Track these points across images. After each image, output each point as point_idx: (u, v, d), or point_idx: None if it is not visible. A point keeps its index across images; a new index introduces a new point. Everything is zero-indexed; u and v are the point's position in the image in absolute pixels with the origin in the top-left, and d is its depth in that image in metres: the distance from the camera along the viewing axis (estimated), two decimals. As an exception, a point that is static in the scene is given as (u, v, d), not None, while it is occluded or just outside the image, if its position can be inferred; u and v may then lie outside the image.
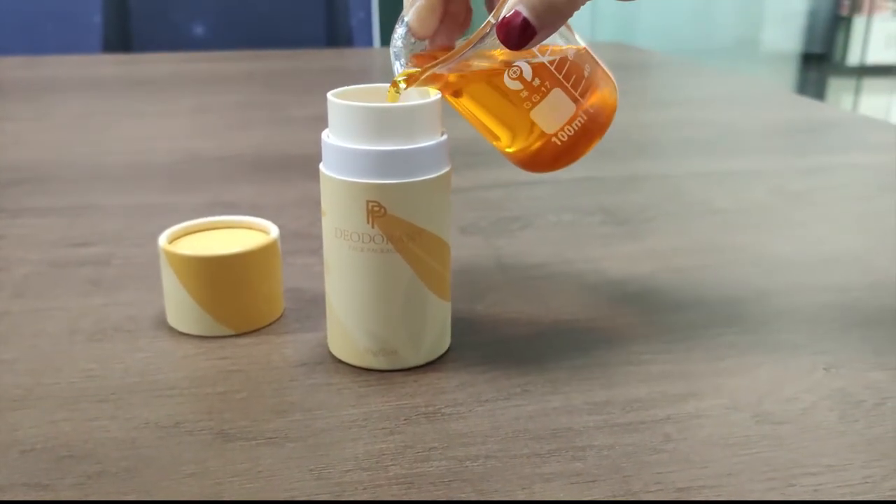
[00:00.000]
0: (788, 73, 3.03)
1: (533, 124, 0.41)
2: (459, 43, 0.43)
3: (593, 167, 0.74)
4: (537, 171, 0.44)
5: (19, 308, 0.48)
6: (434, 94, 0.40)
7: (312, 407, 0.38)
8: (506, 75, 0.40)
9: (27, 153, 0.80)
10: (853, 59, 2.96)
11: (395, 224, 0.38)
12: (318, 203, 0.66)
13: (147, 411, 0.38)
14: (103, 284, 0.51)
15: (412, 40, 0.42)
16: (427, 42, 0.43)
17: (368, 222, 0.38)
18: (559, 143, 0.42)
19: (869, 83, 3.00)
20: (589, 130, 0.42)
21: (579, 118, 0.42)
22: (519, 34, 0.35)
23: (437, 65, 0.37)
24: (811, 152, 0.82)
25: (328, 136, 0.39)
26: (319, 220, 0.61)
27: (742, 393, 0.39)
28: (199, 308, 0.44)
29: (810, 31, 3.01)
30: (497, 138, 0.43)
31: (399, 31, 0.42)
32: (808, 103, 1.10)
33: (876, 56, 2.93)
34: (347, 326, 0.41)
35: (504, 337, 0.45)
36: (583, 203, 0.66)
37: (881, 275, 0.52)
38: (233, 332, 0.45)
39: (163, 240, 0.45)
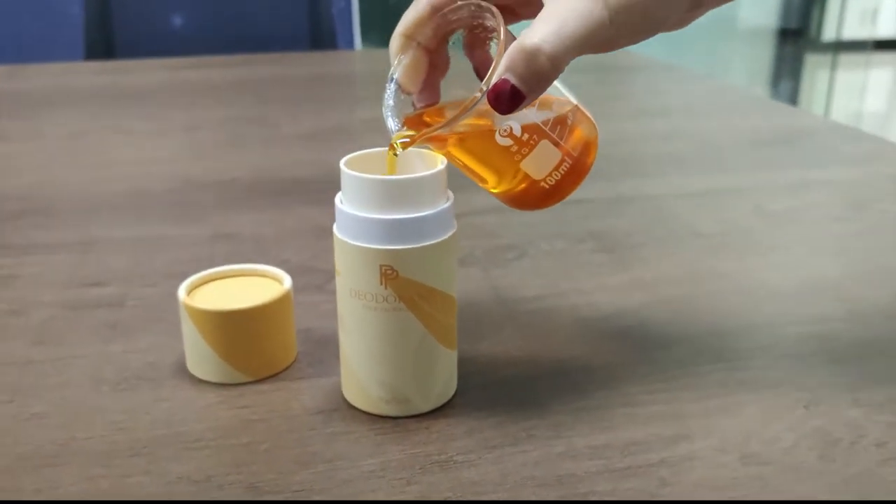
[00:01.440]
0: (765, 49, 3.07)
1: (521, 172, 0.44)
2: (448, 98, 0.46)
3: (582, 188, 0.77)
4: (525, 209, 0.47)
5: (42, 356, 0.50)
6: (440, 160, 0.42)
7: (333, 457, 0.41)
8: (497, 134, 0.42)
9: (25, 179, 0.82)
10: (829, 34, 3.00)
11: (407, 285, 0.41)
12: (316, 231, 0.69)
13: (178, 465, 0.40)
14: (120, 328, 0.53)
15: (402, 96, 0.45)
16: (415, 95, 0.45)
17: (382, 284, 0.41)
18: (547, 186, 0.45)
19: (845, 59, 3.04)
20: (575, 172, 0.45)
21: (565, 163, 0.44)
22: (509, 100, 0.38)
23: (432, 132, 0.40)
24: (788, 166, 0.85)
25: (341, 203, 0.42)
26: (321, 253, 0.64)
27: (730, 433, 0.42)
28: (219, 358, 0.46)
29: (787, 6, 3.04)
30: (484, 181, 0.46)
31: (390, 88, 0.44)
32: (781, 110, 1.13)
33: (851, 31, 2.98)
34: (361, 377, 0.43)
35: (507, 378, 0.47)
36: (573, 229, 0.69)
37: (857, 303, 0.56)
38: (251, 379, 0.47)
39: (182, 292, 0.47)
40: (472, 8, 0.42)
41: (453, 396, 0.46)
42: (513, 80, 0.38)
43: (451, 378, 0.45)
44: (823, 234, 0.68)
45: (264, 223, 0.71)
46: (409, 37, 0.44)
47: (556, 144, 0.43)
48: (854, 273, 0.60)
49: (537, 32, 0.37)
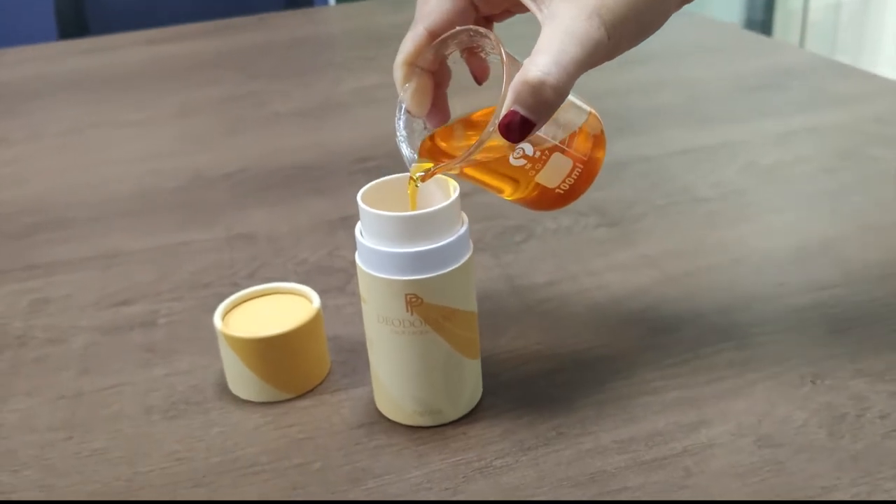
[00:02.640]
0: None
1: (536, 184, 0.46)
2: (455, 104, 0.48)
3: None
4: (540, 211, 0.50)
5: (91, 386, 0.53)
6: (452, 187, 0.45)
7: (381, 472, 0.44)
8: (511, 158, 0.44)
9: (33, 188, 0.83)
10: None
11: (432, 309, 0.44)
12: (327, 226, 0.71)
13: (239, 493, 0.44)
14: (158, 351, 0.56)
15: (413, 122, 0.46)
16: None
17: (408, 311, 0.44)
18: (561, 192, 0.48)
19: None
20: (587, 173, 0.47)
21: (577, 169, 0.47)
22: (519, 130, 0.40)
23: (449, 167, 0.42)
24: (774, 113, 0.87)
25: (362, 236, 0.44)
26: (335, 249, 0.66)
27: (744, 416, 0.46)
28: (260, 380, 0.49)
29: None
30: (500, 192, 0.48)
31: (400, 119, 0.46)
32: (763, 45, 1.14)
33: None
34: (393, 393, 0.47)
35: (530, 374, 0.51)
36: (576, 203, 0.71)
37: (852, 264, 0.59)
38: (291, 396, 0.50)
39: (218, 321, 0.50)
40: (471, 33, 0.44)
41: (481, 399, 0.49)
42: (521, 112, 0.40)
43: (477, 384, 0.48)
44: (814, 189, 0.70)
45: (276, 219, 0.73)
46: (411, 64, 0.45)
47: (568, 153, 0.46)
48: (846, 232, 0.63)
49: (539, 64, 0.39)
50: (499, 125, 0.40)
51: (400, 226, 0.42)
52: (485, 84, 0.47)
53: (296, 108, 1.00)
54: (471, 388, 0.48)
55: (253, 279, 0.63)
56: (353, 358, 0.53)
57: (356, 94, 1.04)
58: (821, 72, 0.99)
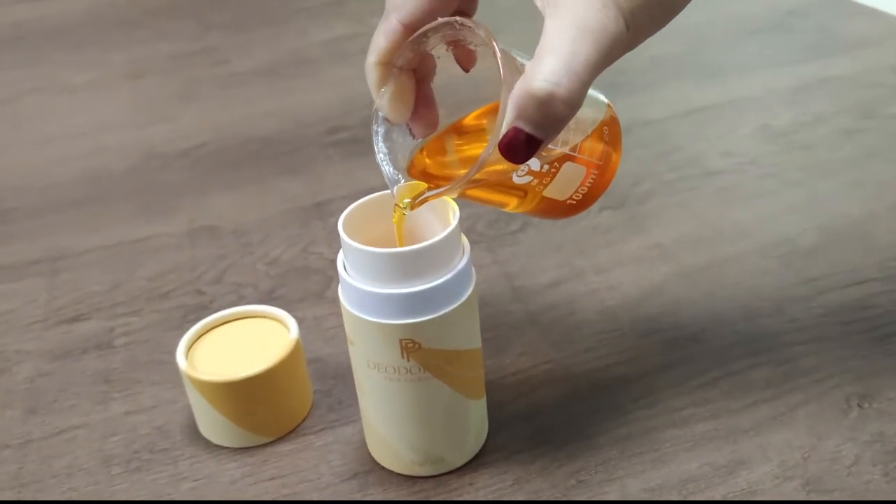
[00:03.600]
0: None
1: (544, 198, 0.40)
2: (444, 98, 0.40)
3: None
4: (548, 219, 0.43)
5: (40, 431, 0.46)
6: (451, 211, 0.38)
7: (380, 538, 0.39)
8: (514, 175, 0.37)
9: (-30, 174, 0.75)
10: None
11: (431, 354, 0.37)
12: (299, 214, 0.64)
13: (217, 571, 0.38)
14: (115, 381, 0.49)
15: (394, 135, 0.39)
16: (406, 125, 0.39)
17: (403, 357, 0.37)
18: (574, 202, 0.41)
19: None
20: (603, 178, 0.41)
21: (591, 175, 0.40)
22: (524, 150, 0.33)
23: (441, 193, 0.35)
24: (784, 62, 0.80)
25: (346, 271, 0.37)
26: (310, 245, 0.59)
27: (786, 451, 0.41)
28: (233, 425, 0.43)
29: None
30: (503, 206, 0.42)
31: (378, 131, 0.38)
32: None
33: None
34: (388, 441, 0.41)
35: (540, 404, 0.45)
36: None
37: (884, 251, 0.53)
38: (270, 439, 0.44)
39: (181, 358, 0.43)
40: (456, 25, 0.35)
41: (487, 437, 0.43)
42: (526, 129, 0.32)
43: (482, 425, 0.42)
44: (834, 157, 0.64)
45: (242, 206, 0.65)
46: (386, 64, 0.37)
47: (580, 160, 0.39)
48: (877, 210, 0.57)
49: (546, 71, 0.31)
50: (499, 145, 0.33)
51: (391, 263, 0.35)
52: (476, 74, 0.39)
53: (258, 67, 0.91)
54: (476, 431, 0.42)
55: (219, 285, 0.56)
56: (338, 386, 0.47)
57: (325, 48, 0.94)
58: (828, 10, 0.91)
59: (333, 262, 0.57)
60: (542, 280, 0.54)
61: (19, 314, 0.56)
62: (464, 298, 0.37)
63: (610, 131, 0.40)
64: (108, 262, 0.60)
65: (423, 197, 0.36)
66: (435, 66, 0.39)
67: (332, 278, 0.56)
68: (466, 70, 0.39)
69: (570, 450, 0.42)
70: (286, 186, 0.68)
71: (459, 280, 0.37)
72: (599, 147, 0.39)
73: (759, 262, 0.54)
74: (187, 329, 0.51)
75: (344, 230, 0.37)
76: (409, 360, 0.37)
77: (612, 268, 0.54)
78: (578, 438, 0.42)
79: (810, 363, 0.46)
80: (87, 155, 0.76)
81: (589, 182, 0.40)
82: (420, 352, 0.37)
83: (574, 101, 0.32)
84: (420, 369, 0.37)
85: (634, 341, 0.48)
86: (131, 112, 0.84)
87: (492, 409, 0.44)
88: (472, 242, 0.57)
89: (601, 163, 0.40)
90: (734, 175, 0.63)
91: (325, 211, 0.63)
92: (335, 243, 0.59)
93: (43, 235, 0.64)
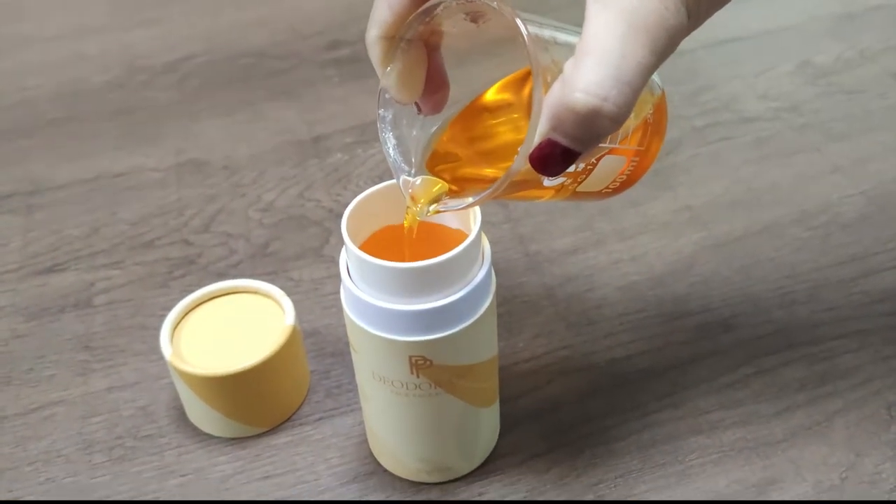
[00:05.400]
0: None
1: (578, 192, 0.35)
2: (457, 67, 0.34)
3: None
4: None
5: (15, 406, 0.43)
6: (473, 215, 0.33)
7: (381, 555, 0.36)
8: (545, 180, 0.32)
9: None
10: None
11: (443, 371, 0.33)
12: (296, 148, 0.59)
13: (207, 586, 0.35)
14: (96, 347, 0.45)
15: (402, 115, 0.33)
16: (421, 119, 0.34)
17: (413, 373, 0.33)
18: (610, 190, 0.36)
19: None
20: (643, 162, 0.36)
21: (632, 162, 0.35)
22: (560, 163, 0.28)
23: (462, 208, 0.30)
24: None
25: (350, 278, 0.33)
26: (307, 190, 0.55)
27: (822, 469, 0.38)
28: (224, 417, 0.40)
29: None
30: (531, 200, 0.37)
31: (385, 117, 0.33)
32: None
33: None
34: (394, 449, 0.37)
35: (556, 400, 0.41)
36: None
37: (936, 228, 0.49)
38: (264, 430, 0.41)
39: (166, 344, 0.39)
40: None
41: (498, 437, 0.40)
42: (563, 142, 0.27)
43: (493, 431, 0.39)
44: (886, 104, 0.58)
45: (234, 136, 0.60)
46: (391, 38, 0.31)
47: (620, 151, 0.34)
48: (928, 174, 0.52)
49: (589, 80, 0.26)
50: (531, 158, 0.28)
51: (403, 278, 0.31)
52: (488, 31, 0.33)
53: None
54: (487, 438, 0.39)
55: (208, 234, 0.52)
56: (336, 366, 0.44)
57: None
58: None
59: (332, 211, 0.53)
60: (559, 246, 0.49)
61: (-9, 260, 0.51)
62: (481, 313, 0.33)
63: (656, 115, 0.35)
64: (86, 200, 0.55)
65: (443, 209, 0.31)
66: (442, 31, 0.33)
67: (330, 231, 0.51)
68: (477, 24, 0.33)
69: (588, 457, 0.39)
70: (280, 113, 0.62)
71: (477, 293, 0.33)
72: (641, 132, 0.34)
73: (796, 234, 0.49)
74: (172, 288, 0.48)
75: (348, 232, 0.32)
76: (418, 377, 0.33)
77: (637, 233, 0.50)
78: (597, 443, 0.39)
79: (849, 362, 0.42)
80: (63, 65, 0.69)
81: (628, 171, 0.35)
82: (431, 369, 0.33)
83: (622, 116, 0.27)
84: (430, 385, 0.34)
85: (660, 326, 0.45)
86: (111, 12, 0.76)
87: (503, 403, 0.40)
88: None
89: (642, 148, 0.35)
90: (771, 123, 0.57)
91: (323, 148, 0.58)
92: (333, 189, 0.54)
93: (15, 163, 0.59)
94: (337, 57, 0.67)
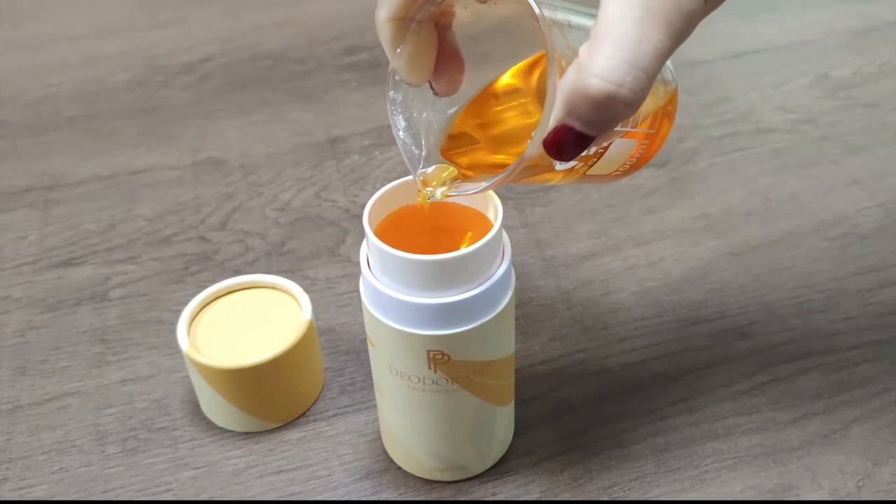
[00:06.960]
0: None
1: (588, 175, 0.35)
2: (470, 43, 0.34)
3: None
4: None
5: (29, 397, 0.43)
6: (491, 203, 0.33)
7: (394, 552, 0.36)
8: (556, 164, 0.32)
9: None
10: None
11: (461, 366, 0.33)
12: (313, 150, 0.59)
13: (218, 578, 0.35)
14: (111, 340, 0.45)
15: (412, 99, 0.33)
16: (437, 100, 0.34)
17: (430, 368, 0.33)
18: (619, 172, 0.36)
19: None
20: (654, 144, 0.36)
21: (642, 144, 0.35)
22: (574, 147, 0.28)
23: (473, 193, 0.31)
24: (847, -3, 0.73)
25: (369, 269, 0.33)
26: (324, 189, 0.55)
27: (839, 477, 0.37)
28: (239, 411, 0.40)
29: None
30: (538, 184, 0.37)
31: (395, 101, 0.32)
32: None
33: None
34: (408, 446, 0.37)
35: (571, 402, 0.41)
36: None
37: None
38: (278, 425, 0.41)
39: (183, 336, 0.39)
40: None
41: (513, 438, 0.40)
42: (577, 127, 0.27)
43: (508, 430, 0.39)
44: (902, 117, 0.59)
45: (251, 135, 0.60)
46: (401, 19, 0.31)
47: (631, 134, 0.34)
48: (946, 188, 0.52)
49: (604, 65, 0.25)
50: (545, 143, 0.28)
51: (423, 271, 0.31)
52: (500, 10, 0.32)
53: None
54: (502, 437, 0.38)
55: (224, 231, 0.52)
56: (351, 364, 0.44)
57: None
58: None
59: (348, 211, 0.53)
60: (575, 250, 0.49)
61: (9, 252, 0.51)
62: (500, 308, 0.33)
63: (668, 101, 0.35)
64: (104, 197, 0.56)
65: (455, 193, 0.31)
66: (453, 6, 0.33)
67: (347, 231, 0.51)
68: (485, 2, 0.33)
69: (603, 459, 0.39)
70: (297, 115, 0.62)
71: (497, 288, 0.33)
72: (652, 116, 0.34)
73: (813, 244, 0.49)
74: (188, 283, 0.48)
75: (371, 221, 0.32)
76: (436, 372, 0.33)
77: (653, 240, 0.50)
78: (611, 446, 0.39)
79: (865, 372, 0.42)
80: (83, 63, 0.70)
81: (638, 153, 0.35)
82: (449, 364, 0.33)
83: (638, 101, 0.27)
84: (448, 381, 0.34)
85: (676, 332, 0.44)
86: (128, 12, 0.77)
87: (519, 404, 0.40)
88: (501, 198, 0.52)
89: (652, 132, 0.35)
90: (789, 135, 0.57)
91: (340, 150, 0.58)
92: (350, 190, 0.54)
93: (35, 158, 0.59)
94: (355, 61, 0.68)
